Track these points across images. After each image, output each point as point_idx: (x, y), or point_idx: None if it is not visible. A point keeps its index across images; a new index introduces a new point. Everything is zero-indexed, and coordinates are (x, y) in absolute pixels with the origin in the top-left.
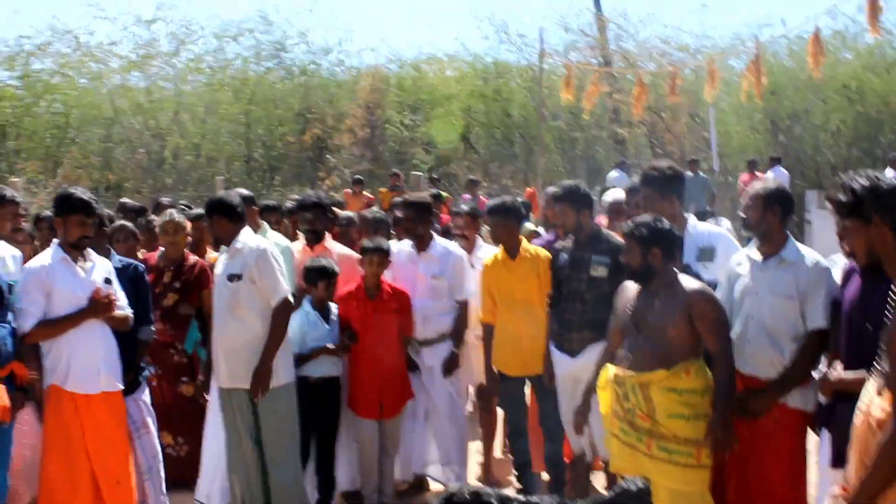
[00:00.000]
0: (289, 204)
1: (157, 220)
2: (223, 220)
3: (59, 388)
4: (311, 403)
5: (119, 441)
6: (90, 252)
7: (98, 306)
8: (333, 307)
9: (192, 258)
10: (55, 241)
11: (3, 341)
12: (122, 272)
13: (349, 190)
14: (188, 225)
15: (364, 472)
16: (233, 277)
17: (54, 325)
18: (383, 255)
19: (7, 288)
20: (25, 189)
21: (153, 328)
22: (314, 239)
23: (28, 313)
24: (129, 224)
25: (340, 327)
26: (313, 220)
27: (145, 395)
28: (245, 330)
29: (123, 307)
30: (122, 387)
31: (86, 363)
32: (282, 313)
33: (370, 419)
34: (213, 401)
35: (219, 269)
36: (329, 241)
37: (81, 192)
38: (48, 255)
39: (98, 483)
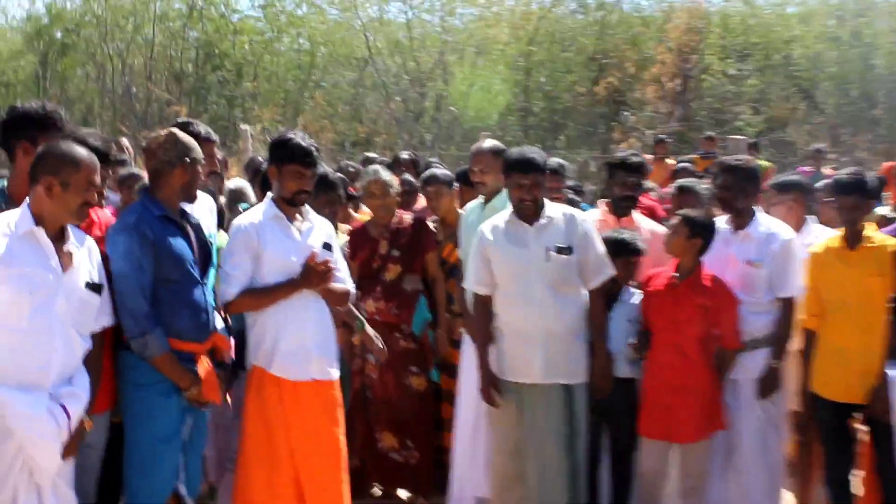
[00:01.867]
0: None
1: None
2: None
3: (262, 370)
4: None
5: (330, 440)
6: (308, 211)
7: (313, 275)
8: (635, 293)
9: (407, 217)
10: (269, 195)
11: (208, 307)
12: None
13: (650, 155)
14: (396, 182)
15: None
16: (563, 250)
17: (261, 295)
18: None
19: (210, 246)
20: (260, 140)
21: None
22: (624, 208)
23: (232, 278)
24: (384, 177)
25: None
26: (634, 184)
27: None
28: (572, 313)
29: (343, 279)
30: (336, 375)
31: (295, 344)
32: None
33: (657, 440)
34: (465, 399)
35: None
36: (637, 214)
37: (301, 138)
38: (259, 211)
39: (302, 488)
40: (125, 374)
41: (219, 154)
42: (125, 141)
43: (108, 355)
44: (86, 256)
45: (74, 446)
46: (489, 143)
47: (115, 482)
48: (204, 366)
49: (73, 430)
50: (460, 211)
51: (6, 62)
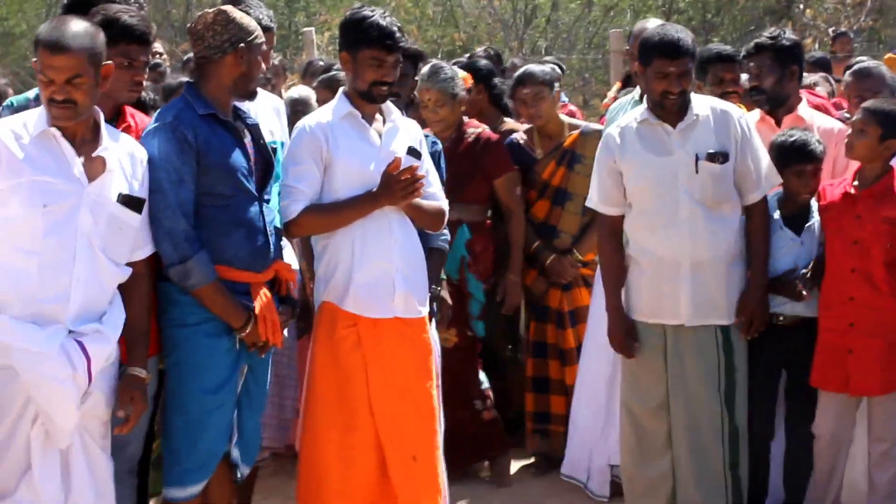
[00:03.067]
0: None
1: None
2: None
3: (334, 306)
4: (778, 354)
5: (420, 394)
6: (392, 109)
7: (395, 187)
8: (812, 210)
9: (473, 128)
10: (341, 89)
11: (267, 229)
12: None
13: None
14: (462, 86)
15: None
16: (716, 157)
17: (331, 212)
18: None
19: (272, 154)
20: (329, 52)
21: (447, 232)
22: (778, 102)
23: (295, 191)
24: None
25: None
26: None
27: (433, 330)
28: (727, 235)
29: (435, 195)
30: (425, 312)
31: (375, 274)
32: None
33: (832, 392)
34: (593, 350)
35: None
36: (804, 109)
37: (380, 16)
38: (329, 110)
39: (385, 455)
40: (166, 310)
41: (274, 57)
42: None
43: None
44: (126, 163)
45: (133, 400)
46: (655, 22)
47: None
48: (262, 300)
49: (95, 375)
50: (566, 118)
51: None
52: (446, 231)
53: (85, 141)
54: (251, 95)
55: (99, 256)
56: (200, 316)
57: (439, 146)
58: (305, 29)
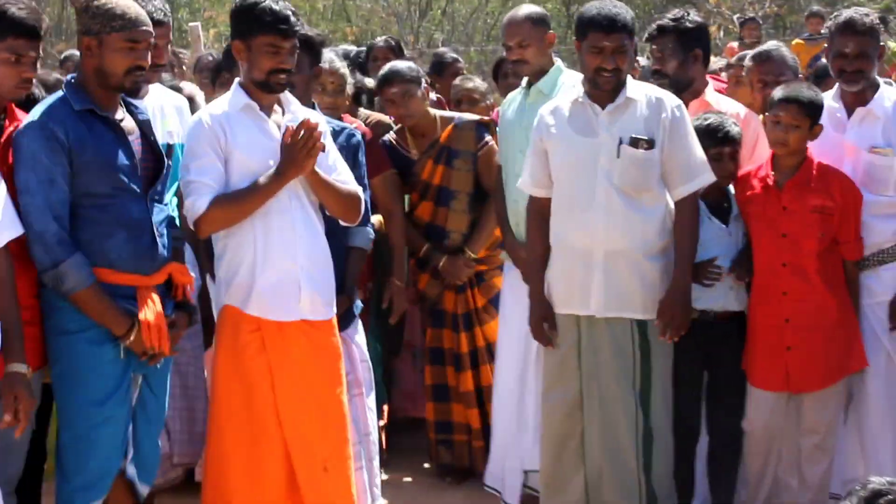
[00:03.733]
0: None
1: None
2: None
3: (236, 310)
4: (703, 351)
5: (329, 400)
6: (289, 99)
7: (294, 151)
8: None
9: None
10: (236, 80)
11: (158, 230)
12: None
13: (734, 43)
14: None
15: (752, 477)
16: (639, 142)
17: (238, 200)
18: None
19: (166, 151)
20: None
21: (372, 229)
22: (682, 86)
23: (200, 187)
24: (341, 68)
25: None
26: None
27: (359, 334)
28: (645, 226)
29: (347, 181)
30: (333, 314)
31: (279, 272)
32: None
33: (772, 391)
34: (508, 346)
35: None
36: (711, 93)
37: (273, 1)
38: (225, 101)
39: (294, 466)
40: (48, 317)
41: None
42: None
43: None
44: None
45: (18, 399)
46: (526, 8)
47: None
48: (148, 305)
49: None
50: (437, 112)
51: None
52: (370, 229)
53: None
54: (127, 89)
55: None
56: (82, 323)
57: (357, 138)
58: (191, 24)
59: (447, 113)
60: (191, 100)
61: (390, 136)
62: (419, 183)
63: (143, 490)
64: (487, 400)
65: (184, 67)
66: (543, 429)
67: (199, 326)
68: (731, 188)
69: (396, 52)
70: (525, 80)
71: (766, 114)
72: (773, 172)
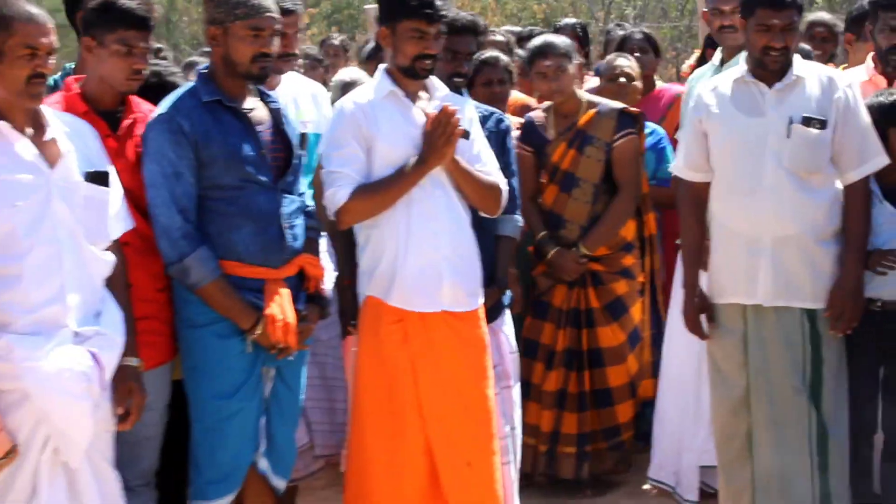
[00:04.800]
0: None
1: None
2: None
3: (378, 301)
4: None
5: (473, 394)
6: (438, 85)
7: (434, 138)
8: None
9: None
10: (381, 66)
11: (290, 221)
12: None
13: None
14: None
15: None
16: (812, 122)
17: (379, 191)
18: None
19: (299, 141)
20: None
21: (520, 217)
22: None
23: (341, 178)
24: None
25: None
26: None
27: (507, 325)
28: (815, 210)
29: (490, 172)
30: (478, 305)
31: (421, 263)
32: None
33: None
34: (679, 331)
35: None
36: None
37: None
38: (370, 89)
39: (436, 461)
40: (179, 311)
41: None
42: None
43: (168, 288)
44: (78, 141)
45: (130, 393)
46: None
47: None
48: (275, 299)
49: (106, 384)
50: (586, 95)
51: None
52: (519, 217)
53: (30, 127)
54: (258, 77)
55: (84, 246)
56: (210, 316)
57: (506, 123)
58: (367, 6)
59: (596, 98)
60: (356, 85)
61: (535, 114)
62: (549, 165)
63: (279, 484)
64: (574, 408)
65: (347, 53)
66: (714, 429)
67: (335, 317)
68: None
69: (581, 37)
70: (719, 53)
71: None
72: None
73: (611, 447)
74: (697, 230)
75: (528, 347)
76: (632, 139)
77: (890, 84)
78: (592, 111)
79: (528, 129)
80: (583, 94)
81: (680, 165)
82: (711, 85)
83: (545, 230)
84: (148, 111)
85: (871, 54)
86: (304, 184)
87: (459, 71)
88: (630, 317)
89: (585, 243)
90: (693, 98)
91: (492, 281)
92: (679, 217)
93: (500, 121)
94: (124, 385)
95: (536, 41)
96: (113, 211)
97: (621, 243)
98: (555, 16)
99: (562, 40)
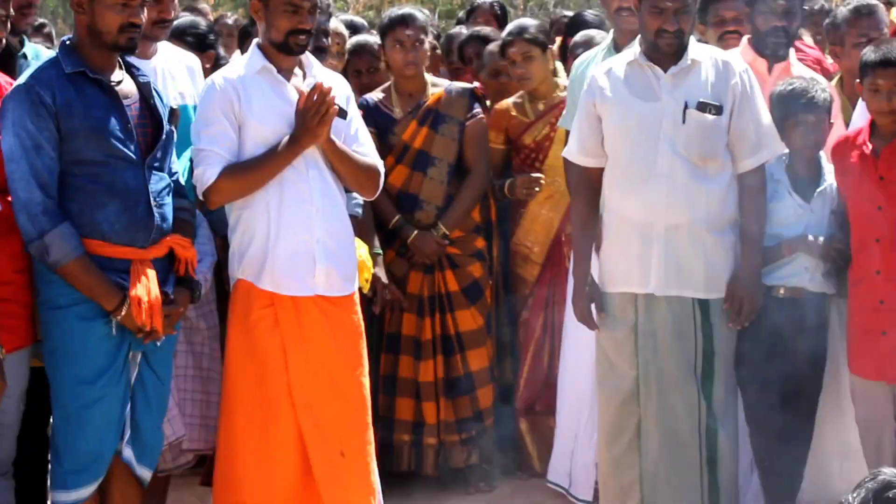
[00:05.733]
0: None
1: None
2: None
3: (249, 284)
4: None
5: (347, 381)
6: (313, 62)
7: (308, 117)
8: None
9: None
10: (254, 41)
11: (158, 200)
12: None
13: None
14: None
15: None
16: (707, 107)
17: (250, 170)
18: None
19: (168, 115)
20: None
21: (359, 198)
22: (775, 46)
23: (211, 156)
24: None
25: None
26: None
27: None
28: (710, 197)
29: (367, 154)
30: (354, 289)
31: (293, 245)
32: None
33: (878, 381)
34: (573, 329)
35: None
36: (796, 62)
37: None
38: (241, 64)
39: (308, 451)
40: (40, 291)
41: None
42: None
43: (27, 269)
44: None
45: None
46: None
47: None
48: (141, 280)
49: None
50: (430, 77)
51: None
52: (359, 197)
53: None
54: (125, 47)
55: None
56: (73, 297)
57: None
58: None
59: (439, 79)
60: None
61: (370, 96)
62: (399, 144)
63: (144, 474)
64: (452, 393)
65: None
66: (598, 422)
67: (214, 305)
68: (823, 161)
69: (499, 17)
70: (609, 38)
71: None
72: (870, 141)
73: (477, 434)
74: (589, 216)
75: (390, 342)
76: (481, 119)
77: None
78: (440, 90)
79: (368, 110)
80: (428, 76)
81: (573, 150)
82: (605, 68)
83: (398, 213)
84: (4, 83)
85: (747, 37)
86: (176, 162)
87: (319, 45)
88: (485, 301)
89: (446, 223)
90: (586, 81)
91: None
92: (570, 203)
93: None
94: None
95: (510, 26)
96: None
97: (472, 225)
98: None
99: (533, 24)
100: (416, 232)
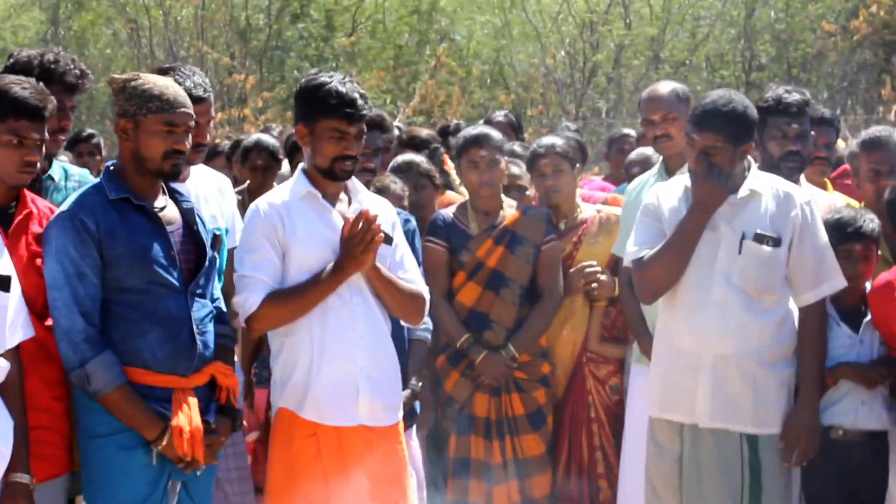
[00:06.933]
0: None
1: None
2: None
3: (291, 413)
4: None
5: None
6: (358, 188)
7: (352, 245)
8: None
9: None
10: (300, 166)
11: (201, 327)
12: None
13: None
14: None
15: None
16: (765, 239)
17: (293, 298)
18: None
19: (211, 241)
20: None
21: (428, 322)
22: (788, 171)
23: (254, 283)
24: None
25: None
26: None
27: (413, 440)
28: (761, 330)
29: (412, 280)
30: (398, 418)
31: (336, 374)
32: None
33: None
34: (634, 444)
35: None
36: (807, 183)
37: (339, 81)
38: (286, 189)
39: None
40: (80, 420)
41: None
42: None
43: (65, 397)
44: None
45: None
46: (669, 83)
47: None
48: (183, 409)
49: None
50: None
51: (3, 20)
52: (429, 320)
53: None
54: (170, 174)
55: None
56: (113, 426)
57: (412, 224)
58: None
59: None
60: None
61: (444, 212)
62: (472, 261)
63: None
64: None
65: None
66: None
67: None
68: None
69: (516, 129)
70: (660, 162)
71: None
72: None
73: None
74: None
75: (459, 467)
76: (557, 244)
77: None
78: (518, 212)
79: (443, 226)
80: (504, 198)
81: (631, 247)
82: (665, 188)
83: (466, 332)
84: (44, 207)
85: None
86: (217, 288)
87: (367, 166)
88: (547, 428)
89: (516, 345)
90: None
91: (403, 386)
92: (622, 302)
93: (406, 220)
94: (11, 503)
95: (538, 143)
96: (12, 318)
97: (538, 350)
98: (523, 106)
99: (562, 141)
100: (485, 352)
